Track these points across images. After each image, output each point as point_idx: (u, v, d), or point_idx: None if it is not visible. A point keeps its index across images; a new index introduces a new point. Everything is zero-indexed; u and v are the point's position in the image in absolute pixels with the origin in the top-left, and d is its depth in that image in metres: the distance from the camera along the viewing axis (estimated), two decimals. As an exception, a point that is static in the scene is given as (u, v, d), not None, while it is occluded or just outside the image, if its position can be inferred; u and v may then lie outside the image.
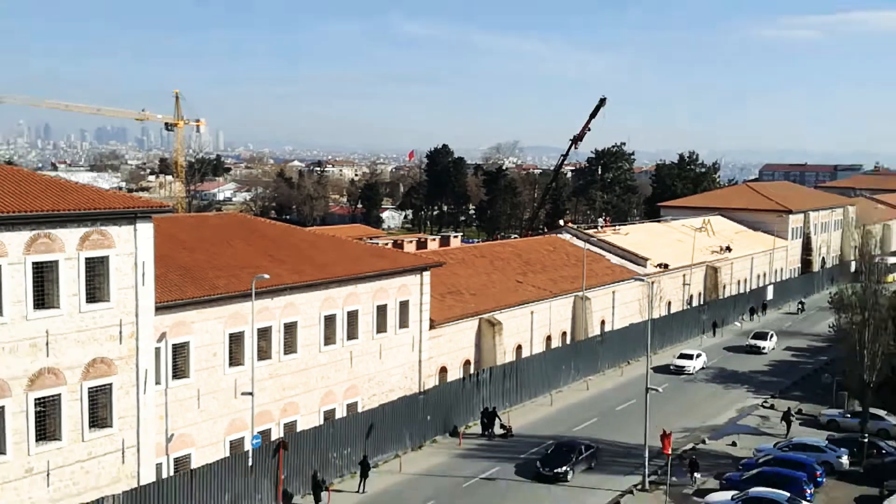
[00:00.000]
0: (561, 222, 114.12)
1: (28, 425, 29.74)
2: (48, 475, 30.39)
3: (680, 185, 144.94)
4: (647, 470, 40.35)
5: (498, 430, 48.17)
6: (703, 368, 63.92)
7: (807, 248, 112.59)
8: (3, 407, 28.97)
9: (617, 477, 41.65)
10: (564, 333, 66.44)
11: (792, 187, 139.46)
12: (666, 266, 79.57)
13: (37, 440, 30.12)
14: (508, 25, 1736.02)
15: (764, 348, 70.57)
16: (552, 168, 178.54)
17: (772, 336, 72.82)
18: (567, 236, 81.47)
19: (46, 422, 30.56)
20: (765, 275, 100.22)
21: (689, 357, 64.20)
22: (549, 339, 64.53)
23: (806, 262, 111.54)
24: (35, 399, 29.93)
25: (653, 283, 66.21)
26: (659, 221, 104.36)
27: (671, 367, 62.79)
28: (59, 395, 30.61)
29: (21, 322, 29.39)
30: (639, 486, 40.28)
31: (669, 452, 39.12)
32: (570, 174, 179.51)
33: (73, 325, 30.86)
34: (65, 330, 30.60)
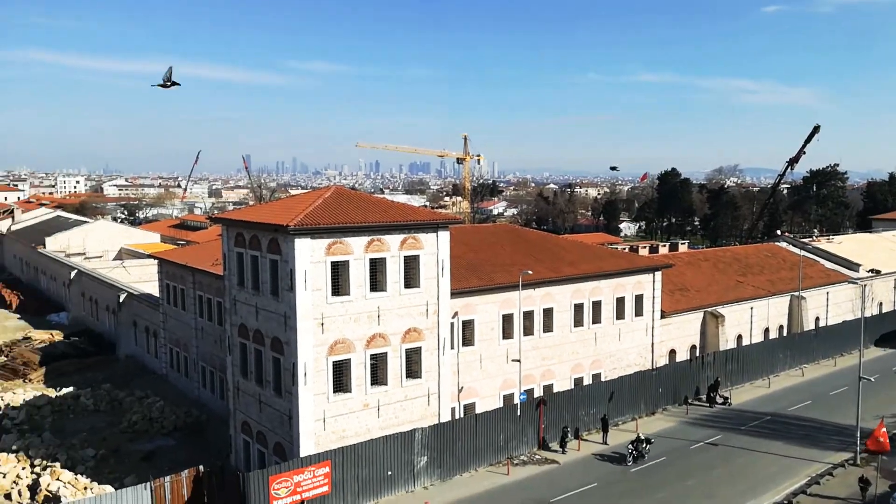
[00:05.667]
0: (778, 232, 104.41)
1: (366, 373, 32.57)
2: (378, 409, 33.07)
3: (891, 199, 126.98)
4: (858, 447, 35.75)
5: (718, 400, 45.48)
6: None
7: None
8: (349, 359, 32.04)
9: (829, 452, 37.31)
10: (781, 327, 60.49)
11: None
12: (878, 271, 69.79)
13: (371, 384, 32.86)
14: (723, 72, 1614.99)
15: None
16: (769, 186, 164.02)
17: None
18: (784, 244, 74.16)
19: (377, 371, 33.21)
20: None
21: None
22: (766, 331, 59.06)
23: None
24: (370, 354, 32.70)
25: (865, 286, 58.37)
26: (871, 232, 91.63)
27: None
28: (386, 353, 33.13)
29: (361, 300, 32.20)
30: (850, 461, 35.77)
31: (888, 444, 33.42)
32: (785, 191, 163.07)
33: (396, 304, 33.27)
34: (390, 307, 33.07)
